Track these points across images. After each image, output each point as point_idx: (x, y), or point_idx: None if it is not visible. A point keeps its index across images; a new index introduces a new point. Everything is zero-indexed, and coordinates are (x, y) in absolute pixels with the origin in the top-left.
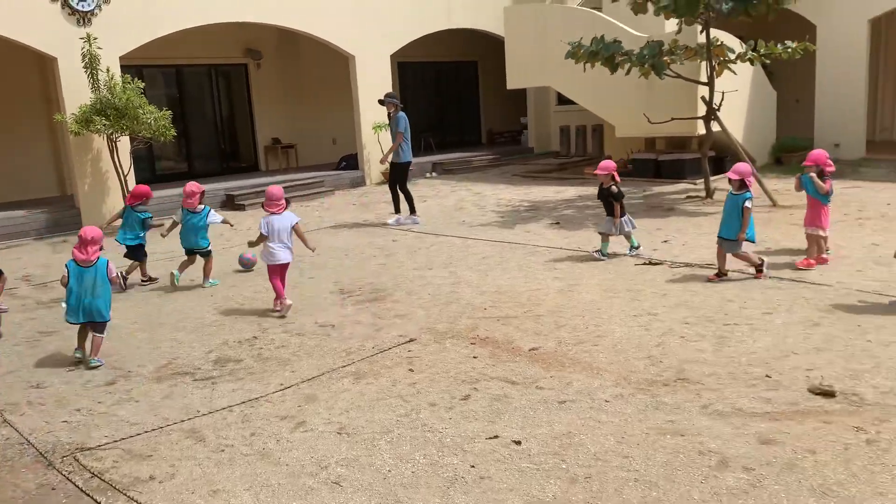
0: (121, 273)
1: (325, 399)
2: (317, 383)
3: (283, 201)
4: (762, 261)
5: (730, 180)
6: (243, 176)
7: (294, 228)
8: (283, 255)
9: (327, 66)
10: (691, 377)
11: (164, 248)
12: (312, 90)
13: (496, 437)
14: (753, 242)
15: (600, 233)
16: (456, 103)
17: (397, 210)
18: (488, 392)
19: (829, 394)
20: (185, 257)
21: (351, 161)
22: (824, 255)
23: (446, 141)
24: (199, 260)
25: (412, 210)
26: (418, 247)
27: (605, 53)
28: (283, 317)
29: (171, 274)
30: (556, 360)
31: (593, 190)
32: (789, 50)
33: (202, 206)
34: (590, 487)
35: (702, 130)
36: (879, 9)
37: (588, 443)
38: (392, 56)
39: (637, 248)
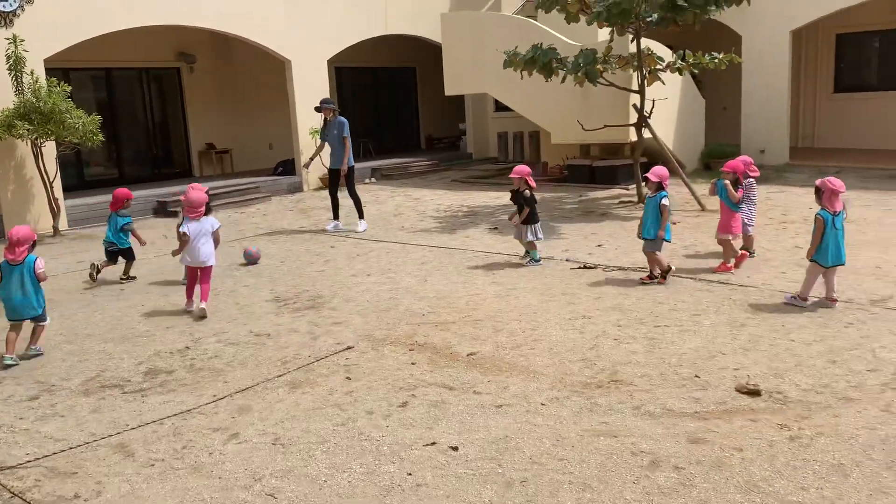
0: (96, 266)
1: (260, 409)
2: (251, 394)
3: (203, 208)
4: (670, 268)
5: (647, 181)
6: (176, 182)
7: (213, 234)
8: (198, 259)
9: (263, 70)
10: (624, 378)
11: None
12: (248, 94)
13: (433, 443)
14: (668, 242)
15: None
16: (394, 109)
17: (336, 217)
18: (426, 398)
19: (754, 392)
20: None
21: (288, 166)
22: (750, 256)
23: (384, 146)
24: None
25: (337, 218)
26: (357, 253)
27: (542, 60)
28: (203, 317)
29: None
30: (494, 364)
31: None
32: (716, 60)
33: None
34: (525, 491)
35: (634, 137)
36: (800, 21)
37: (524, 446)
38: (329, 61)
39: (538, 261)
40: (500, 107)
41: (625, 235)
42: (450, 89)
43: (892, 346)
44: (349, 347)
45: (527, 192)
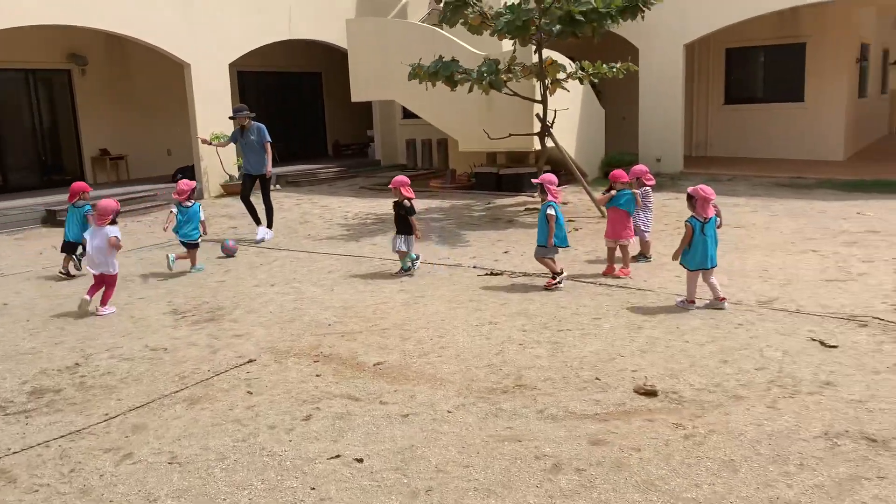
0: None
1: (156, 427)
2: (146, 411)
3: (110, 216)
4: (562, 271)
5: (535, 184)
6: (67, 189)
7: (108, 241)
8: (94, 266)
9: (160, 73)
10: (528, 383)
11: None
12: (145, 99)
13: (338, 456)
14: (565, 247)
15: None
16: (300, 114)
17: (258, 222)
18: (331, 410)
19: (651, 393)
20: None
21: (187, 173)
22: (646, 260)
23: (291, 153)
24: None
25: (260, 223)
26: (260, 262)
27: (445, 73)
28: (86, 312)
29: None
30: (401, 373)
31: (440, 203)
32: (614, 70)
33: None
34: (430, 500)
35: (538, 146)
36: (692, 35)
37: (430, 455)
38: (231, 65)
39: (407, 270)
40: (408, 114)
41: (530, 242)
42: (356, 96)
43: (777, 346)
44: (251, 360)
45: (406, 202)
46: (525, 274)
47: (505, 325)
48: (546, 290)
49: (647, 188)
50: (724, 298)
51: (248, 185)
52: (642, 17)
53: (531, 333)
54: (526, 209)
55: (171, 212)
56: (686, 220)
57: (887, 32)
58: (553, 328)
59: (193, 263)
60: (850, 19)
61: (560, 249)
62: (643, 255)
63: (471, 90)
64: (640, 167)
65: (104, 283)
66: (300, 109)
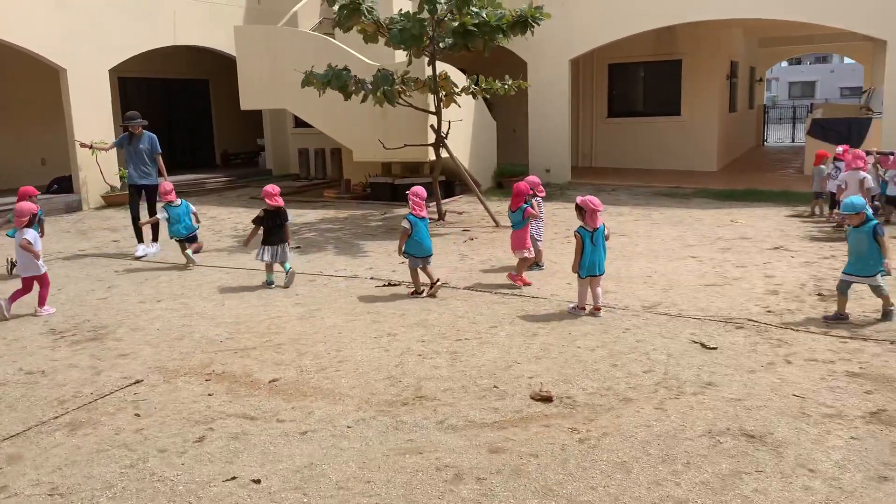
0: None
1: (33, 457)
2: (22, 440)
3: (27, 217)
4: (437, 280)
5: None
6: None
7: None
8: (23, 271)
9: (33, 79)
10: (428, 394)
11: None
12: (15, 105)
13: (234, 478)
14: (423, 256)
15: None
16: (186, 123)
17: (141, 239)
18: (225, 431)
19: (547, 399)
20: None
21: (64, 184)
22: (538, 268)
23: (176, 162)
24: None
25: (142, 240)
26: (145, 278)
27: (338, 83)
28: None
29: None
30: (298, 389)
31: (335, 213)
32: (506, 86)
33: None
34: None
35: (433, 157)
36: (577, 51)
37: (330, 472)
38: (112, 71)
39: (269, 284)
40: (300, 122)
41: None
42: (246, 104)
43: (662, 349)
44: (138, 381)
45: (261, 211)
46: (423, 284)
47: (404, 336)
48: (413, 295)
49: (539, 199)
50: (599, 308)
51: (136, 197)
52: (531, 33)
53: (430, 344)
54: None
55: (163, 217)
56: (575, 231)
57: (753, 51)
58: (451, 338)
59: (190, 256)
60: (720, 38)
61: (429, 258)
62: (536, 264)
63: (364, 100)
64: (532, 178)
65: (39, 284)
66: (186, 118)
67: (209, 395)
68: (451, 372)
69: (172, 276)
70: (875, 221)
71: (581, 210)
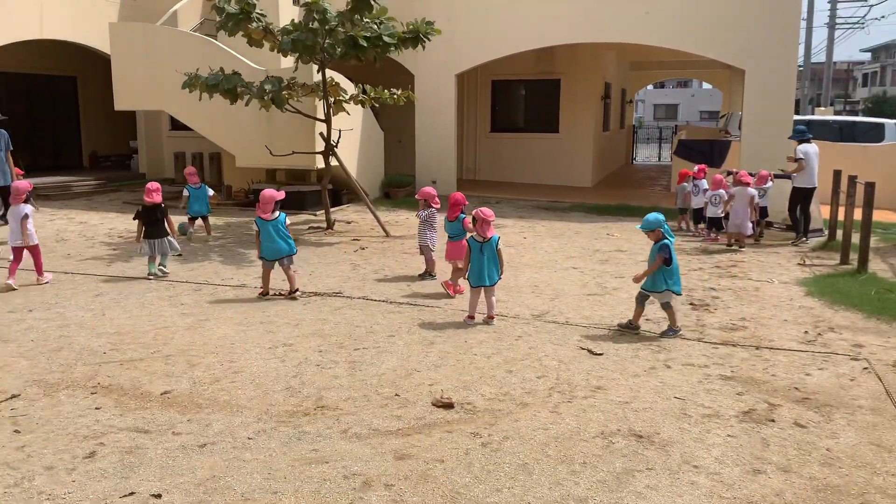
0: None
1: None
2: None
3: (23, 196)
4: (296, 290)
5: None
6: None
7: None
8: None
9: None
10: (329, 404)
11: None
12: None
13: (132, 493)
14: (272, 258)
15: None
16: (51, 121)
17: None
18: (117, 445)
19: (448, 405)
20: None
21: None
22: (431, 277)
23: (39, 163)
24: None
25: None
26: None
27: (226, 86)
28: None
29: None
30: (193, 401)
31: (215, 220)
32: (395, 96)
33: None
34: None
35: (321, 164)
36: (463, 66)
37: (235, 484)
38: None
39: (156, 274)
40: (177, 124)
41: (316, 261)
42: (120, 104)
43: (553, 355)
44: (14, 396)
45: (139, 208)
46: (315, 293)
47: (300, 346)
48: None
49: (433, 210)
50: (492, 317)
51: None
52: (423, 47)
53: (328, 354)
54: (310, 228)
55: (184, 194)
56: (466, 240)
57: (625, 74)
58: (349, 347)
59: (209, 232)
60: (596, 60)
61: (284, 260)
62: (428, 273)
63: (248, 103)
64: (428, 189)
65: (31, 254)
66: (51, 116)
67: (96, 408)
68: (351, 381)
69: (43, 284)
70: (667, 241)
71: (474, 220)
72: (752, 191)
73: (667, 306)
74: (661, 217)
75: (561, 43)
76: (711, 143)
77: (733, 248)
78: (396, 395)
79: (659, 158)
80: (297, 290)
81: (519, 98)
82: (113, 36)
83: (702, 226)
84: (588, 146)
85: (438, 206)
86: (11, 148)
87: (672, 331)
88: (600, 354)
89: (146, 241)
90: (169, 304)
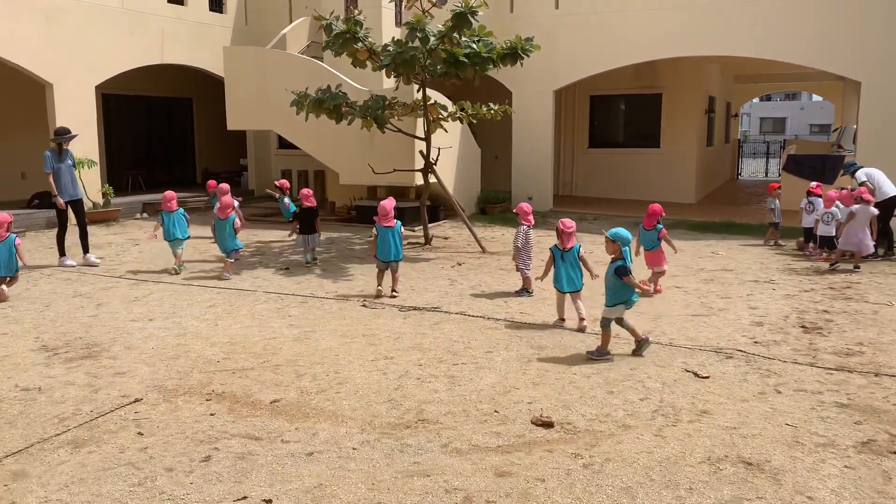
0: None
1: (39, 474)
2: (26, 457)
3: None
4: (393, 292)
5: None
6: None
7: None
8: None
9: (17, 92)
10: (430, 417)
11: None
12: None
13: (245, 497)
14: (385, 261)
15: None
16: (168, 140)
17: (64, 253)
18: (231, 451)
19: (548, 424)
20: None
21: (46, 199)
22: (528, 294)
23: (157, 179)
24: None
25: (64, 253)
26: (135, 296)
27: (331, 103)
28: None
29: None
30: (300, 410)
31: (321, 236)
32: (492, 111)
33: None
34: None
35: (420, 181)
36: (561, 82)
37: (340, 493)
38: (96, 87)
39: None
40: (284, 143)
41: (415, 276)
42: (232, 124)
43: (656, 377)
44: (137, 400)
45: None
46: (415, 308)
47: (400, 359)
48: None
49: (525, 227)
50: (583, 319)
51: (74, 210)
52: (521, 64)
53: (427, 368)
54: (409, 243)
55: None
56: (550, 248)
57: (729, 87)
58: (448, 362)
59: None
60: (699, 74)
61: (393, 263)
62: (525, 290)
63: (350, 123)
64: (523, 206)
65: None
66: (168, 135)
67: (211, 414)
68: (450, 396)
69: (163, 294)
70: (620, 262)
71: (558, 231)
72: (874, 210)
73: (620, 321)
74: (629, 236)
75: (664, 57)
76: (823, 158)
77: (836, 267)
78: (496, 411)
79: (766, 174)
80: (396, 292)
81: (618, 113)
82: (227, 60)
83: (812, 245)
84: (691, 161)
85: (532, 223)
86: (74, 164)
87: (646, 341)
88: (706, 378)
89: (300, 236)
90: (277, 315)
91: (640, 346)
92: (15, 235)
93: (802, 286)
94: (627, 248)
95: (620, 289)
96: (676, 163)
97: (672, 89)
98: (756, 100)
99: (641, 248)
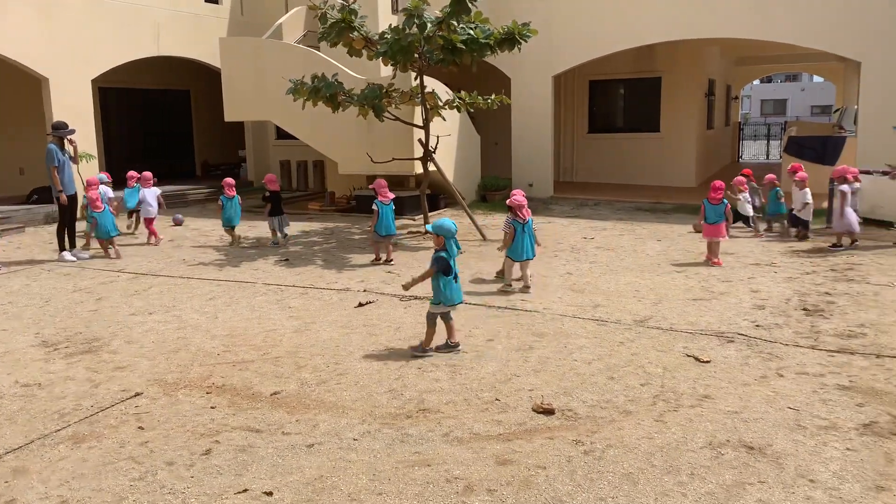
0: None
1: (39, 470)
2: (26, 453)
3: None
4: (391, 259)
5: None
6: None
7: None
8: None
9: (13, 87)
10: (431, 407)
11: None
12: None
13: (245, 490)
14: (384, 235)
15: None
16: (166, 133)
17: (64, 248)
18: (231, 443)
19: (549, 411)
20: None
21: (45, 194)
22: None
23: (156, 173)
24: None
25: (65, 248)
26: (134, 289)
27: (327, 91)
28: None
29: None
30: (300, 402)
31: (320, 226)
32: (489, 101)
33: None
34: None
35: (420, 170)
36: (560, 67)
37: (341, 484)
38: (93, 81)
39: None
40: (282, 134)
41: (415, 264)
42: (230, 115)
43: (657, 362)
44: (138, 394)
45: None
46: (415, 297)
47: (401, 349)
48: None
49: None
50: (528, 287)
51: (72, 205)
52: (519, 49)
53: (428, 357)
54: (409, 232)
55: (219, 203)
56: (509, 222)
57: (729, 70)
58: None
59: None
60: (698, 57)
61: (390, 237)
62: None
63: (345, 109)
64: (518, 198)
65: None
66: (167, 128)
67: (212, 407)
68: (451, 385)
69: (162, 288)
70: (441, 254)
71: (512, 207)
72: (857, 185)
73: (447, 317)
74: (453, 227)
75: (662, 40)
76: (825, 139)
77: (838, 248)
78: (497, 399)
79: (767, 156)
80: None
81: (617, 97)
82: (223, 51)
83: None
84: (691, 145)
85: (530, 215)
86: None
87: (449, 346)
88: (707, 362)
89: (271, 218)
90: (277, 307)
91: (449, 347)
92: None
93: (804, 268)
94: (454, 240)
95: (444, 289)
96: (677, 146)
97: (671, 73)
98: (756, 82)
99: (702, 223)
